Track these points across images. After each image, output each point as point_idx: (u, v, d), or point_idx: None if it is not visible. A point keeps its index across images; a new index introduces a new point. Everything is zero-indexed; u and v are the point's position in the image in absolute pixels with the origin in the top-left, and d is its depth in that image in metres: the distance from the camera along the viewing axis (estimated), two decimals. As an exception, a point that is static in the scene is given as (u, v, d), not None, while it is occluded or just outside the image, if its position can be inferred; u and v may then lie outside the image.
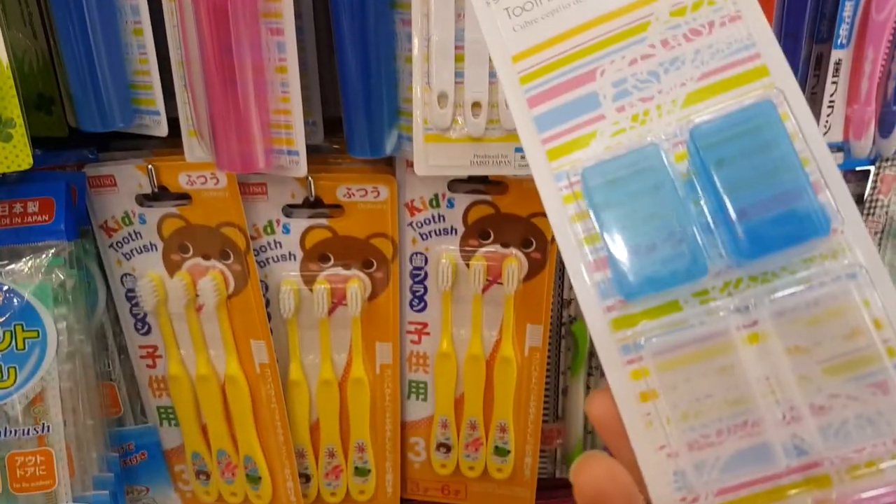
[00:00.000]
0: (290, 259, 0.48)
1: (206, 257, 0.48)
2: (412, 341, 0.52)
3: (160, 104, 0.43)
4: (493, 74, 0.40)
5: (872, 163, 0.49)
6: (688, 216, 0.22)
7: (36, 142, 0.41)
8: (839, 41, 0.43)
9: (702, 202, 0.22)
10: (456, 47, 0.40)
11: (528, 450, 0.52)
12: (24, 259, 0.45)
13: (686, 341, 0.22)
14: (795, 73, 0.46)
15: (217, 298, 0.47)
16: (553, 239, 0.43)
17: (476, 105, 0.40)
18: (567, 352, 0.54)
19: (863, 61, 0.43)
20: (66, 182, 0.46)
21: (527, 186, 0.46)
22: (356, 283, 0.48)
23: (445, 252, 0.48)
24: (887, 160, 0.48)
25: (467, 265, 0.48)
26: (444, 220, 0.48)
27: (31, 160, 0.39)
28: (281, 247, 0.48)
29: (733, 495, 0.21)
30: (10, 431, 0.44)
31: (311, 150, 0.44)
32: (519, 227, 0.47)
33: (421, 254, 0.49)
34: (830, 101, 0.44)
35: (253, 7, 0.39)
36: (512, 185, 0.46)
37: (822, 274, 0.21)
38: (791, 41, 0.44)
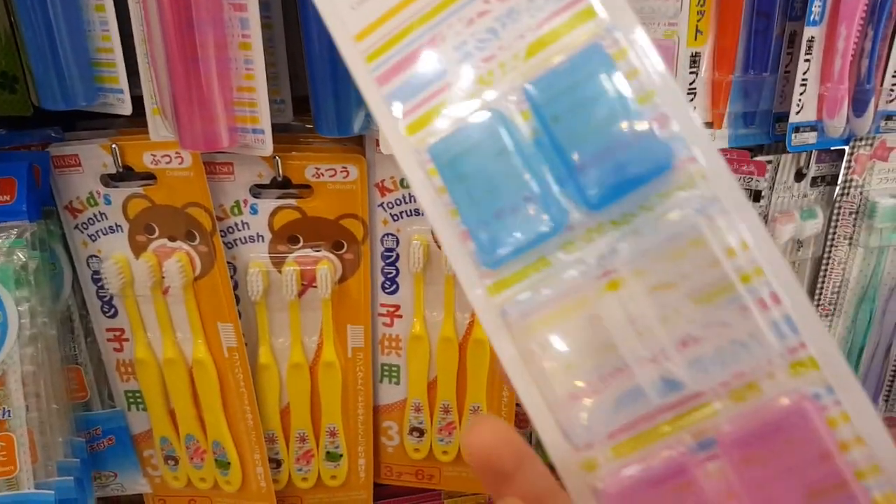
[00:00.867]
0: (258, 240, 0.48)
1: (172, 238, 0.47)
2: (384, 324, 0.51)
3: (123, 82, 0.42)
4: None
5: (847, 143, 0.48)
6: (537, 175, 0.22)
7: (0, 121, 0.40)
8: (812, 17, 0.42)
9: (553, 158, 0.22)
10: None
11: (501, 433, 0.52)
12: (-16, 240, 0.44)
13: (550, 298, 0.22)
14: (768, 52, 0.46)
15: (183, 280, 0.46)
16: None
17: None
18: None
19: (836, 39, 0.43)
20: (28, 162, 0.45)
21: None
22: (326, 265, 0.47)
23: (417, 233, 0.48)
24: (861, 140, 0.47)
25: (439, 247, 0.47)
26: (415, 200, 0.47)
27: (-8, 139, 0.38)
28: (249, 228, 0.47)
29: (622, 436, 0.22)
30: (-29, 416, 0.43)
31: (281, 129, 0.43)
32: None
33: (392, 235, 0.48)
34: (803, 80, 0.44)
35: (215, -19, 0.38)
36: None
37: (678, 206, 0.21)
38: (763, 19, 0.44)
